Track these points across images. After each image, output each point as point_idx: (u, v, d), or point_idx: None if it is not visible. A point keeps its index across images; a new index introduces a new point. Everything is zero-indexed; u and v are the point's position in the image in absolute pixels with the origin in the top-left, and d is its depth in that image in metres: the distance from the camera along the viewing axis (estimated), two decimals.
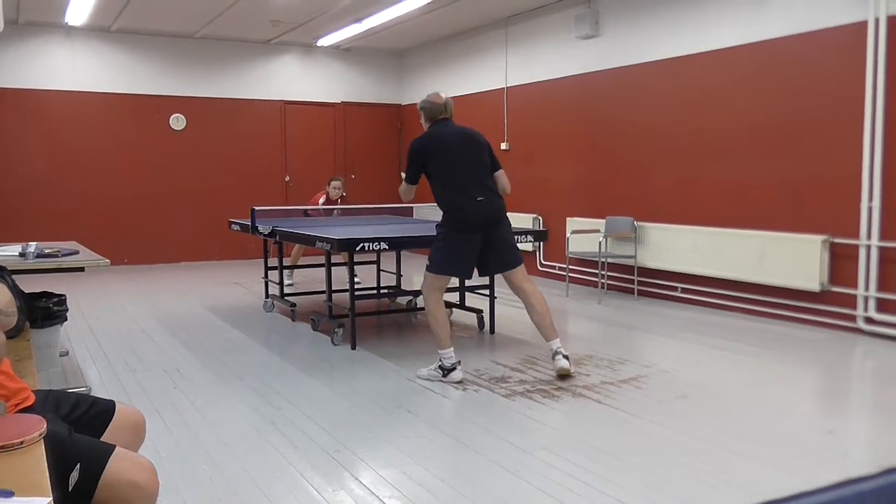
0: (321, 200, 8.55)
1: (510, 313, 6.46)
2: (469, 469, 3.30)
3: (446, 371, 4.60)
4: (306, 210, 8.61)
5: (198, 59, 10.82)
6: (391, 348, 5.64)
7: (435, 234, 4.75)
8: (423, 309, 6.68)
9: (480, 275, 4.85)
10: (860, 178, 5.78)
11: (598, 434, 3.74)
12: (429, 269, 4.70)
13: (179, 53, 10.70)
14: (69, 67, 10.08)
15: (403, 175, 4.81)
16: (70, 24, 9.58)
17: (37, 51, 9.89)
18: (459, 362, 4.64)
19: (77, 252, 4.58)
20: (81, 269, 4.32)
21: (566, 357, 4.66)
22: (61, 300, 4.46)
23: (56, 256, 4.30)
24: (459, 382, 4.57)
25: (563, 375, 4.63)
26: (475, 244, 4.63)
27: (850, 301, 5.90)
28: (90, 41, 10.16)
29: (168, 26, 10.07)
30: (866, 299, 5.80)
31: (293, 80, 11.51)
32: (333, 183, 8.57)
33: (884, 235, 5.68)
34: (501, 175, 4.81)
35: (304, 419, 3.96)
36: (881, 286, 5.72)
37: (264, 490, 3.06)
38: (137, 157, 10.53)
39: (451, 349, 4.64)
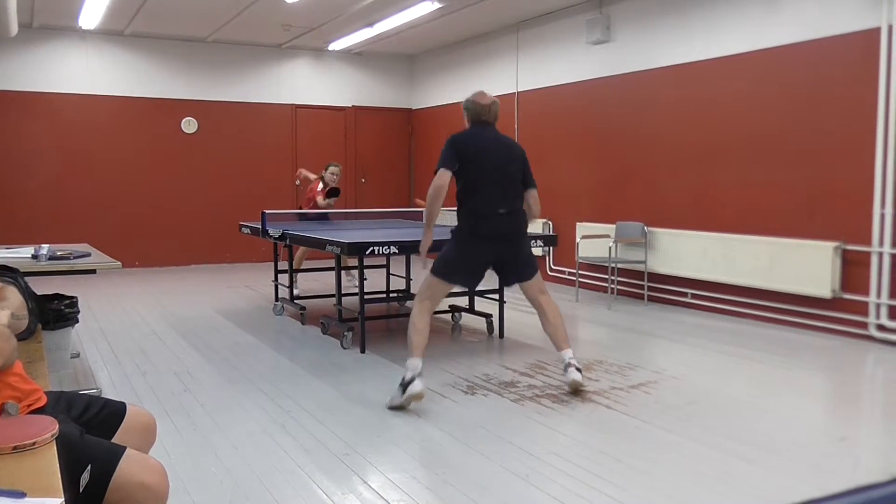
0: (319, 188, 8.18)
1: (519, 318, 6.46)
2: (478, 474, 3.30)
3: (405, 384, 4.11)
4: (301, 213, 8.36)
5: (210, 63, 10.88)
6: (400, 352, 5.62)
7: (448, 237, 4.53)
8: (437, 313, 6.69)
9: (501, 285, 4.67)
10: (873, 184, 5.75)
11: (607, 439, 3.73)
12: (432, 272, 4.44)
13: (192, 57, 10.76)
14: (83, 71, 10.15)
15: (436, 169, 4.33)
16: (83, 27, 9.65)
17: (51, 54, 9.97)
18: (421, 374, 4.16)
19: (89, 254, 4.60)
20: (93, 272, 4.33)
21: (579, 370, 4.44)
22: (73, 302, 4.48)
23: (68, 259, 4.33)
24: (419, 397, 4.11)
25: (576, 389, 4.43)
26: (486, 256, 4.43)
27: (862, 308, 5.87)
28: (104, 45, 10.23)
29: (181, 30, 10.13)
30: (878, 306, 5.76)
31: (304, 84, 11.55)
32: (331, 168, 8.21)
33: None
34: (533, 195, 4.54)
35: (313, 422, 3.97)
36: (893, 293, 5.68)
37: (273, 493, 3.07)
38: (149, 160, 10.59)
39: (420, 360, 4.21)
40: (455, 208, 4.50)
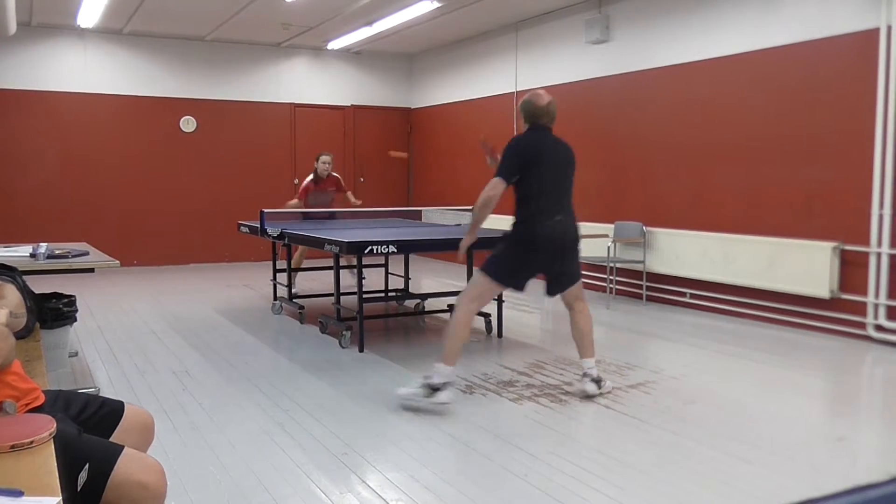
0: (308, 179, 8.10)
1: (518, 317, 6.46)
2: (476, 473, 3.30)
3: (433, 389, 4.04)
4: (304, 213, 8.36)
5: (208, 62, 10.87)
6: (399, 351, 5.65)
7: (501, 236, 4.38)
8: (430, 312, 6.70)
9: (549, 294, 4.44)
10: (871, 185, 5.75)
11: (605, 439, 3.73)
12: (485, 271, 4.23)
13: (190, 56, 10.75)
14: (81, 69, 10.14)
15: (496, 175, 4.16)
16: (82, 26, 9.64)
17: (49, 53, 9.96)
18: (451, 384, 4.12)
19: (87, 253, 4.60)
20: (91, 270, 4.33)
21: (595, 381, 4.37)
22: (71, 301, 4.48)
23: (66, 257, 4.32)
24: (445, 404, 4.06)
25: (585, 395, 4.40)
26: (541, 263, 4.29)
27: (860, 308, 5.87)
28: (102, 43, 10.22)
29: (179, 29, 10.12)
30: (876, 307, 5.76)
31: (303, 83, 11.54)
32: (322, 158, 8.06)
33: (894, 243, 5.66)
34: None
35: (311, 421, 3.97)
36: (891, 294, 5.68)
37: (272, 492, 3.07)
38: (147, 158, 10.57)
39: (453, 371, 4.13)
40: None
